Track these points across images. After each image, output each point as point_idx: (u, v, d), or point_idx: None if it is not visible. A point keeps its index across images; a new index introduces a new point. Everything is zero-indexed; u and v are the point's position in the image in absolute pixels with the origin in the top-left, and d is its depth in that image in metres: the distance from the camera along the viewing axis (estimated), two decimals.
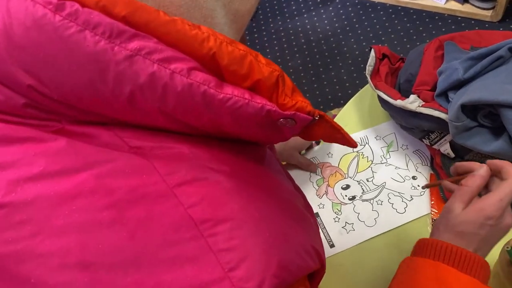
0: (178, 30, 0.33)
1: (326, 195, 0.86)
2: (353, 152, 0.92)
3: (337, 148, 0.93)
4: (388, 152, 0.91)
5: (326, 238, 0.80)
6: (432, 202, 0.81)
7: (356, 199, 0.84)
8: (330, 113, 1.77)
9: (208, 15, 0.37)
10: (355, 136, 0.95)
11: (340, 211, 0.83)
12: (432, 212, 0.79)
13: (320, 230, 0.81)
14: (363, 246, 0.78)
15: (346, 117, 1.00)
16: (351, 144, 0.43)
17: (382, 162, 0.89)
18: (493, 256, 0.58)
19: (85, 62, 0.31)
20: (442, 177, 0.81)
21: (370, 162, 0.90)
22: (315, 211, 0.83)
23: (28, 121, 0.33)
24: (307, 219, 0.44)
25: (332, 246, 0.79)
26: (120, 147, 0.34)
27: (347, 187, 0.87)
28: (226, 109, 0.35)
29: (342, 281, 0.69)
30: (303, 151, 0.95)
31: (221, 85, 0.34)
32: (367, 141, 0.93)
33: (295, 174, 0.91)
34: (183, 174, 0.34)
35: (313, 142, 0.95)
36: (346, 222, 0.81)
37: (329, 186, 0.87)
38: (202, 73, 0.34)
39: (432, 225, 0.78)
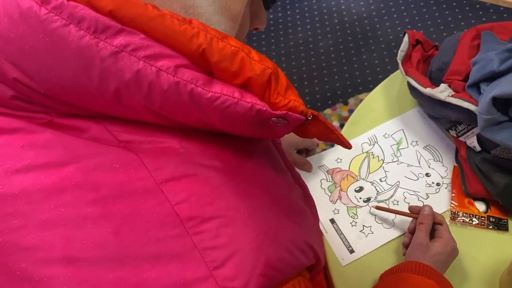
0: (166, 26, 0.32)
1: (340, 199, 0.84)
2: (363, 153, 0.90)
3: (345, 152, 0.91)
4: (399, 149, 0.89)
5: (345, 244, 0.79)
6: (453, 195, 0.79)
7: (371, 200, 0.83)
8: (357, 97, 1.75)
9: (190, 5, 0.35)
10: (363, 136, 0.92)
11: (356, 214, 0.82)
12: (452, 205, 0.78)
13: (338, 236, 0.80)
14: (383, 250, 0.77)
15: (373, 102, 0.98)
16: (345, 145, 0.42)
17: (394, 160, 0.87)
18: None
19: (69, 57, 0.30)
20: (466, 171, 0.79)
21: (382, 161, 0.88)
22: (329, 218, 0.82)
23: (17, 112, 0.33)
24: (303, 213, 0.44)
25: (352, 251, 0.78)
26: (109, 141, 0.34)
27: (361, 189, 0.85)
28: (214, 108, 0.34)
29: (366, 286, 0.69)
30: (310, 155, 0.93)
31: (210, 83, 0.33)
32: (376, 140, 0.91)
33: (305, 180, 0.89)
34: (172, 170, 0.33)
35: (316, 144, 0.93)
36: (363, 225, 0.80)
37: (342, 190, 0.86)
38: (190, 71, 0.33)
39: (451, 218, 0.77)
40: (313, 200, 0.52)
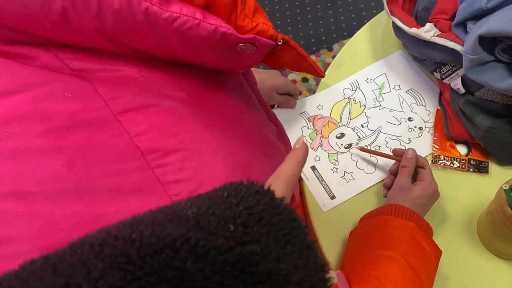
0: None
1: (321, 146, 0.82)
2: (344, 99, 0.87)
3: (327, 98, 0.88)
4: (381, 94, 0.86)
5: (326, 190, 0.78)
6: (435, 138, 0.78)
7: (352, 146, 0.81)
8: (342, 42, 1.70)
9: None
10: (345, 82, 0.89)
11: (337, 161, 0.80)
12: (434, 149, 0.77)
13: (319, 182, 0.79)
14: (364, 195, 0.76)
15: (357, 45, 0.94)
16: (318, 73, 0.39)
17: (376, 105, 0.85)
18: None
19: None
20: (449, 114, 0.78)
21: (363, 107, 0.85)
22: (311, 165, 0.81)
23: None
24: (276, 148, 0.42)
25: (333, 197, 0.77)
26: (60, 69, 0.31)
27: (342, 135, 0.83)
28: (173, 30, 0.31)
29: (346, 232, 0.69)
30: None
31: (168, 2, 0.30)
32: (357, 85, 0.88)
33: (285, 127, 0.86)
34: (130, 99, 0.31)
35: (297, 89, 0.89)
36: (344, 171, 0.79)
37: (323, 137, 0.84)
38: None
39: (432, 161, 0.76)
40: (288, 140, 0.50)
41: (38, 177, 0.28)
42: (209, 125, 0.34)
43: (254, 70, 0.84)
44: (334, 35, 1.74)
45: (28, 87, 0.30)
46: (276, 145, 0.43)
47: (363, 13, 1.76)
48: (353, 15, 1.77)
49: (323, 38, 1.74)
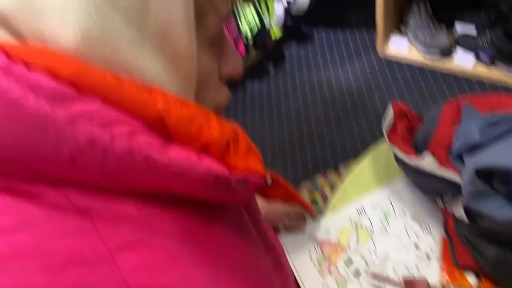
0: (124, 93, 0.33)
1: (330, 274, 0.82)
2: (351, 224, 0.89)
3: (334, 223, 0.91)
4: (387, 221, 0.88)
5: None
6: (443, 267, 0.78)
7: (361, 274, 0.81)
8: (348, 164, 1.76)
9: (135, 72, 0.34)
10: (351, 207, 0.92)
11: None
12: (442, 278, 0.76)
13: None
14: None
15: (361, 170, 0.99)
16: (307, 208, 0.42)
17: (382, 232, 0.87)
18: None
19: (26, 124, 0.31)
20: (455, 242, 0.78)
21: (370, 233, 0.87)
22: None
23: None
24: (269, 284, 0.43)
25: None
26: (66, 207, 0.33)
27: (350, 262, 0.83)
28: (171, 173, 0.34)
29: None
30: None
31: (166, 148, 0.34)
32: (364, 211, 0.91)
33: (292, 253, 0.87)
34: (126, 238, 0.33)
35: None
36: None
37: (331, 263, 0.84)
38: (145, 137, 0.33)
39: None
40: (287, 271, 0.50)
41: None
42: (199, 262, 0.35)
43: None
44: (340, 158, 1.81)
45: (32, 225, 0.32)
46: (270, 280, 0.43)
47: (368, 138, 1.86)
48: (358, 139, 1.86)
49: (330, 160, 1.81)
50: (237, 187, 0.37)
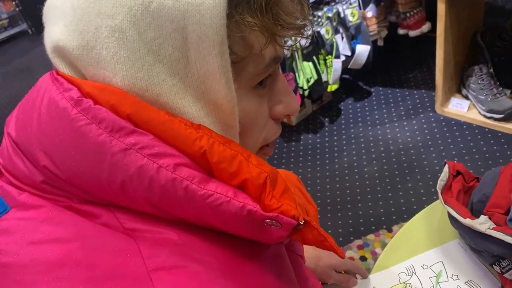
0: (173, 129, 0.36)
1: None
2: (400, 283, 0.86)
3: (382, 281, 0.88)
4: (438, 282, 0.84)
5: None
6: None
7: None
8: (402, 225, 1.70)
9: (178, 112, 0.38)
10: (400, 265, 0.89)
11: None
12: None
13: None
14: None
15: (414, 229, 0.96)
16: (338, 254, 0.42)
17: None
18: None
19: (87, 151, 0.35)
20: None
21: None
22: None
23: (44, 194, 0.38)
24: None
25: None
26: (116, 227, 0.37)
27: None
28: (207, 205, 0.36)
29: None
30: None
31: (206, 181, 0.36)
32: (413, 271, 0.88)
33: None
34: (164, 260, 0.36)
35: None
36: None
37: None
38: (189, 169, 0.36)
39: None
40: None
41: None
42: None
43: (313, 247, 0.87)
44: (394, 217, 1.76)
45: (84, 238, 0.36)
46: None
47: (423, 198, 1.80)
48: (413, 199, 1.81)
49: (383, 218, 1.77)
50: (271, 226, 0.38)
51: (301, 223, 0.39)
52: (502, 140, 1.94)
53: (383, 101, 2.41)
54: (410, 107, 2.30)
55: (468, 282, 0.83)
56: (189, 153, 0.37)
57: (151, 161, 0.35)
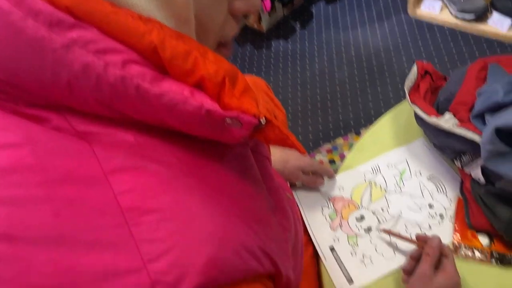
0: (120, 21, 0.33)
1: (341, 228, 0.83)
2: (365, 182, 0.89)
3: (348, 180, 0.90)
4: (402, 180, 0.88)
5: (344, 273, 0.77)
6: (456, 227, 0.77)
7: (372, 230, 0.81)
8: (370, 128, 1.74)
9: (124, 3, 0.35)
10: (366, 165, 0.92)
11: (356, 244, 0.80)
12: (454, 237, 0.76)
13: (337, 265, 0.78)
14: (383, 280, 0.75)
15: (380, 130, 0.98)
16: (300, 150, 0.41)
17: (396, 191, 0.86)
18: None
19: (25, 48, 0.32)
20: (470, 203, 0.77)
21: (384, 191, 0.87)
22: (329, 245, 0.81)
23: None
24: (265, 223, 0.43)
25: (350, 281, 0.75)
26: (68, 130, 0.35)
27: (362, 218, 0.84)
28: (162, 105, 0.34)
29: None
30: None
31: (160, 80, 0.34)
32: (379, 170, 0.90)
33: (305, 206, 0.88)
34: (121, 161, 0.34)
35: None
36: (363, 255, 0.78)
37: (342, 218, 0.84)
38: (139, 66, 0.33)
39: (453, 250, 0.74)
40: (291, 216, 0.51)
41: (28, 223, 0.31)
42: (194, 192, 0.36)
43: (281, 149, 0.88)
44: (363, 121, 1.79)
45: (35, 143, 0.34)
46: (267, 219, 0.44)
47: (392, 101, 1.82)
48: (382, 103, 1.83)
49: (352, 122, 1.79)
50: (231, 126, 0.37)
51: (262, 122, 0.37)
52: (472, 41, 1.94)
53: (355, 3, 2.33)
54: (383, 9, 2.24)
55: (431, 178, 0.86)
56: (138, 48, 0.34)
57: (96, 58, 0.32)
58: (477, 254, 0.73)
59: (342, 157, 1.69)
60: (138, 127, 0.37)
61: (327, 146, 1.73)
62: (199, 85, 0.36)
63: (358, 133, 1.75)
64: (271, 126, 0.38)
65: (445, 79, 0.92)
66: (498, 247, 0.74)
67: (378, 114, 1.79)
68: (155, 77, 0.34)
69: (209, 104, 0.35)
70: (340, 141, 1.74)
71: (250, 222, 0.40)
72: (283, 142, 0.41)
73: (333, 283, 0.76)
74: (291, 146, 0.41)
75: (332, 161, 1.69)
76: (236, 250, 0.36)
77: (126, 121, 0.36)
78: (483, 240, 0.75)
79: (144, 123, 0.37)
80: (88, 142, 0.35)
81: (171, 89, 0.34)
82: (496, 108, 0.70)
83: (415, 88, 0.89)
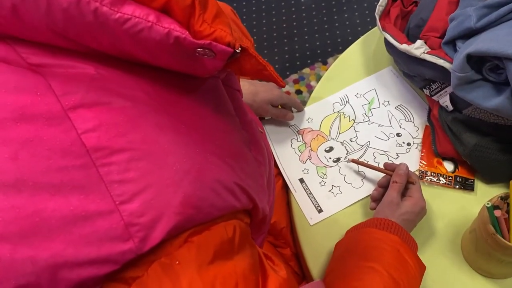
0: None
1: (310, 159, 0.83)
2: (334, 113, 0.88)
3: (316, 112, 0.89)
4: (370, 109, 0.87)
5: (313, 203, 0.78)
6: (423, 154, 0.79)
7: (340, 160, 0.81)
8: (337, 57, 1.71)
9: None
10: (335, 96, 0.90)
11: (325, 174, 0.80)
12: (421, 164, 0.78)
13: (307, 195, 0.79)
14: (351, 208, 0.76)
15: (349, 59, 0.95)
16: (278, 82, 0.39)
17: (365, 120, 0.86)
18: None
19: None
20: (437, 130, 0.78)
21: (352, 121, 0.86)
22: (299, 177, 0.81)
23: None
24: (240, 157, 0.42)
25: (320, 211, 0.77)
26: (17, 63, 0.31)
27: (331, 149, 0.83)
28: (124, 32, 0.31)
29: (332, 245, 0.68)
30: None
31: (121, 3, 0.30)
32: (347, 100, 0.89)
33: (275, 139, 0.87)
34: (82, 96, 0.31)
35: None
36: (332, 185, 0.79)
37: (312, 150, 0.84)
38: None
39: (419, 177, 0.76)
40: (264, 149, 0.50)
41: None
42: (164, 128, 0.34)
43: (249, 82, 0.85)
44: (329, 49, 1.76)
45: None
46: (242, 153, 0.43)
47: (359, 29, 1.78)
48: (349, 30, 1.79)
49: (318, 51, 1.76)
50: (204, 56, 0.34)
51: (237, 51, 0.34)
52: None
53: None
54: None
55: (399, 106, 0.86)
56: None
57: None
58: (442, 180, 0.75)
59: (309, 87, 1.67)
60: (100, 59, 0.33)
61: (294, 76, 1.71)
62: (166, 10, 0.32)
63: (324, 63, 1.73)
64: (247, 55, 0.35)
65: (416, 3, 0.89)
66: (462, 173, 0.76)
67: (345, 42, 1.76)
68: (116, 0, 0.30)
69: (178, 31, 0.32)
70: (307, 71, 1.72)
71: (225, 157, 0.38)
72: (260, 73, 0.38)
73: (303, 213, 0.77)
74: (268, 77, 0.38)
75: (299, 92, 1.67)
76: (213, 187, 0.35)
77: (86, 52, 0.33)
78: (449, 166, 0.77)
79: (106, 54, 0.33)
80: (43, 75, 0.31)
81: (134, 13, 0.30)
82: (468, 34, 0.68)
83: (385, 13, 0.86)
